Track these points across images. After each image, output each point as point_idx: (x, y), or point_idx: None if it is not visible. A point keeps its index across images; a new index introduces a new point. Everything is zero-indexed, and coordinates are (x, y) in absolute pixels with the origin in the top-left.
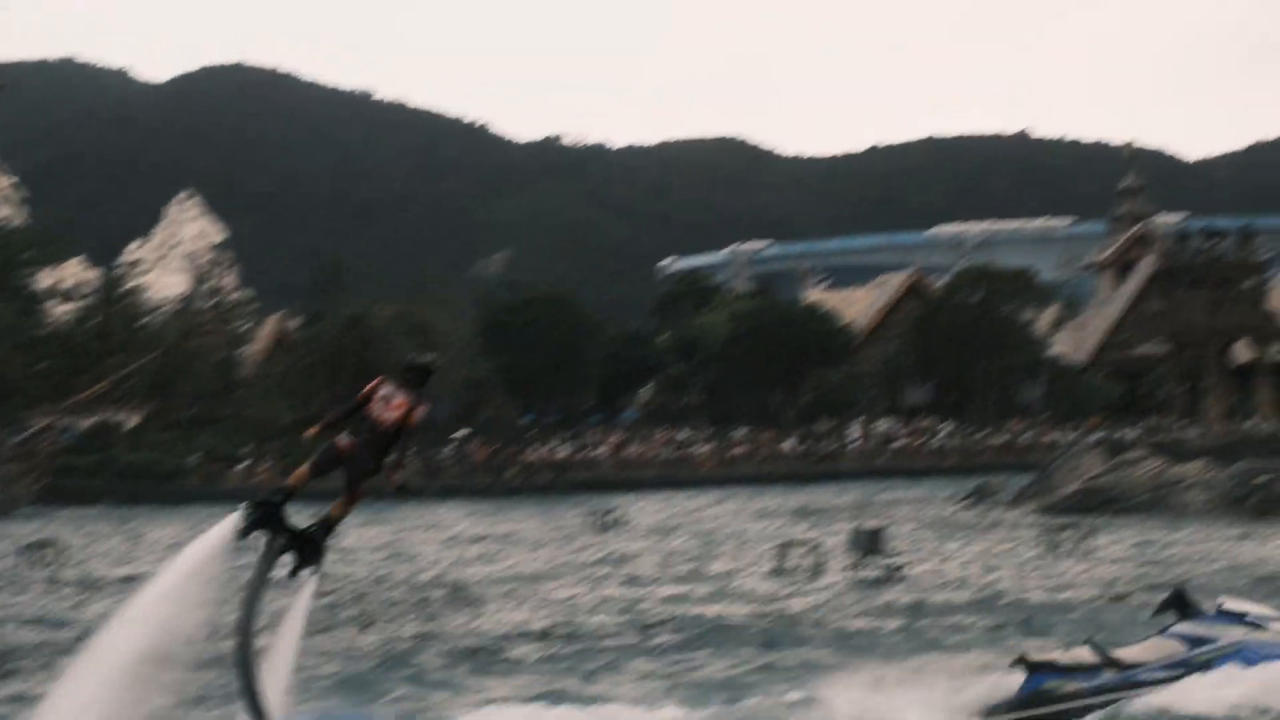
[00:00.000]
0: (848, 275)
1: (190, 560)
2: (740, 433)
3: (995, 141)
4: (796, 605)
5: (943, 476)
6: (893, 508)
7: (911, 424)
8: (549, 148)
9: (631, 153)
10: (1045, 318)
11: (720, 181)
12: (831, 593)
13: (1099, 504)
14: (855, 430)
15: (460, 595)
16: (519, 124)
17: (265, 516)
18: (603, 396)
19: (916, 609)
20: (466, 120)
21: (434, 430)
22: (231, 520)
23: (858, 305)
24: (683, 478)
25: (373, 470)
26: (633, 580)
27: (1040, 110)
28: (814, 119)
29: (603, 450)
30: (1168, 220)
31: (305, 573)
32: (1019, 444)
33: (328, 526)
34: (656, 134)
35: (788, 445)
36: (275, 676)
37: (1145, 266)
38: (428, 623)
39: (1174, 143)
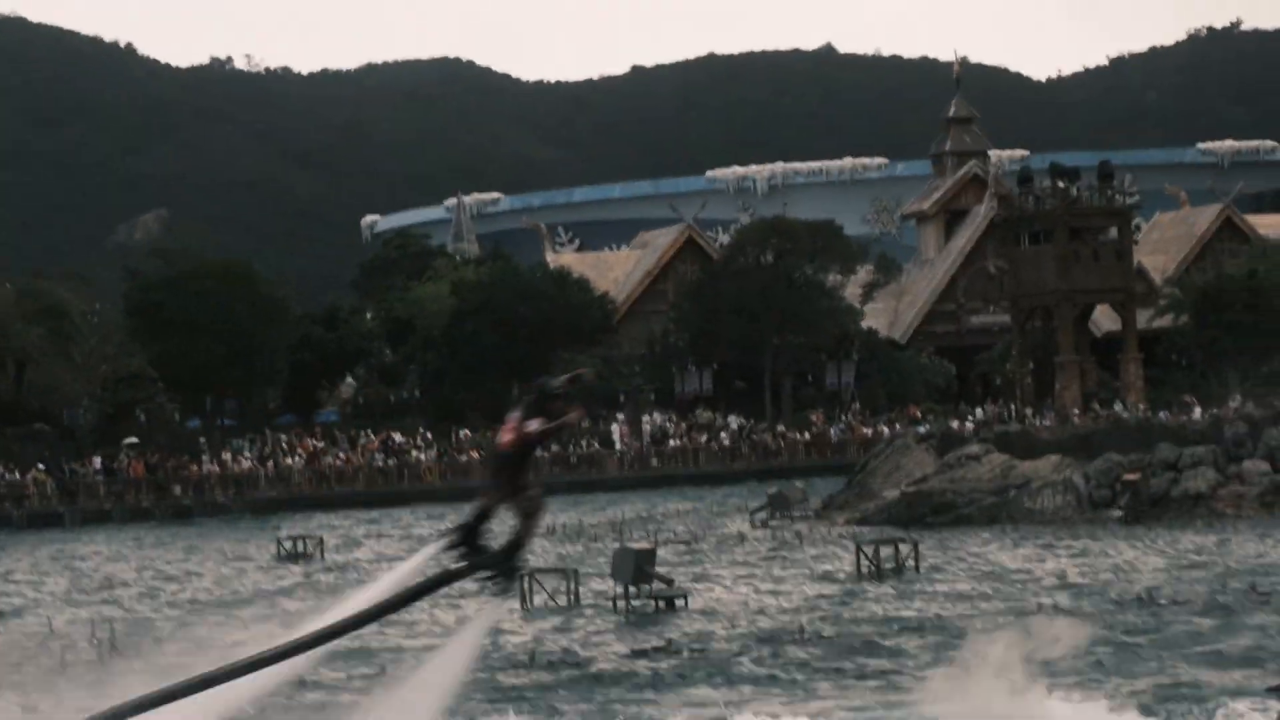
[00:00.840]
0: (603, 233)
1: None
2: (470, 435)
3: (791, 59)
4: (550, 644)
5: (730, 483)
6: (667, 523)
7: (689, 418)
8: (215, 75)
9: (324, 81)
10: (854, 282)
11: (439, 116)
12: (589, 631)
13: (928, 513)
14: (617, 429)
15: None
16: (175, 45)
17: (464, 539)
18: (293, 393)
19: (698, 645)
20: (107, 40)
21: (73, 442)
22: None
23: (616, 270)
24: (400, 492)
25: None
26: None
27: (848, 20)
28: (559, 34)
29: (295, 460)
30: (1007, 157)
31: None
32: (826, 441)
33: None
34: (355, 56)
35: None
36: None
37: (979, 216)
38: None
39: (1016, 59)
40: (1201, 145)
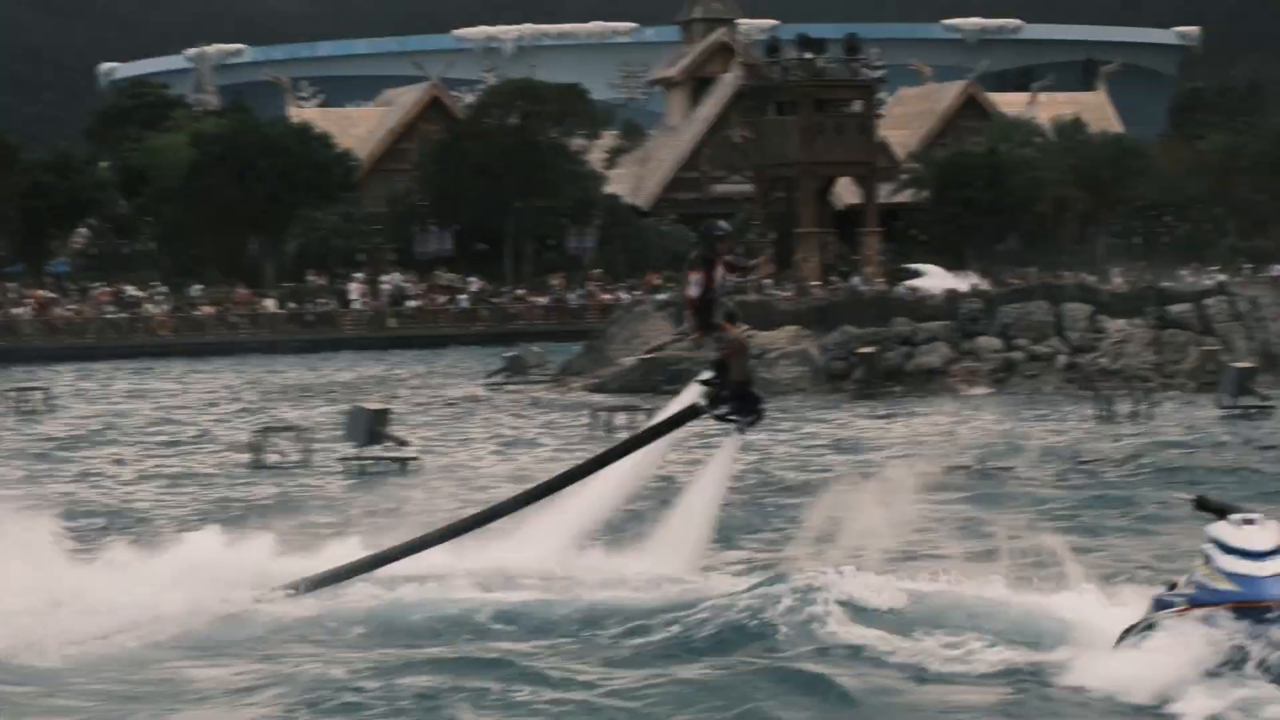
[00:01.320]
0: (347, 89)
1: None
2: (206, 289)
3: None
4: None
5: (469, 346)
6: (404, 384)
7: (429, 280)
8: None
9: None
10: (599, 147)
11: None
12: (321, 485)
13: (665, 380)
14: (356, 288)
15: None
16: None
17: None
18: (22, 242)
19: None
20: None
21: None
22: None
23: (360, 127)
24: (132, 346)
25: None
26: (85, 477)
27: None
28: None
29: (24, 311)
30: (756, 26)
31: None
32: (566, 306)
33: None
34: None
35: (269, 306)
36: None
37: (725, 84)
38: None
39: None
40: (947, 21)
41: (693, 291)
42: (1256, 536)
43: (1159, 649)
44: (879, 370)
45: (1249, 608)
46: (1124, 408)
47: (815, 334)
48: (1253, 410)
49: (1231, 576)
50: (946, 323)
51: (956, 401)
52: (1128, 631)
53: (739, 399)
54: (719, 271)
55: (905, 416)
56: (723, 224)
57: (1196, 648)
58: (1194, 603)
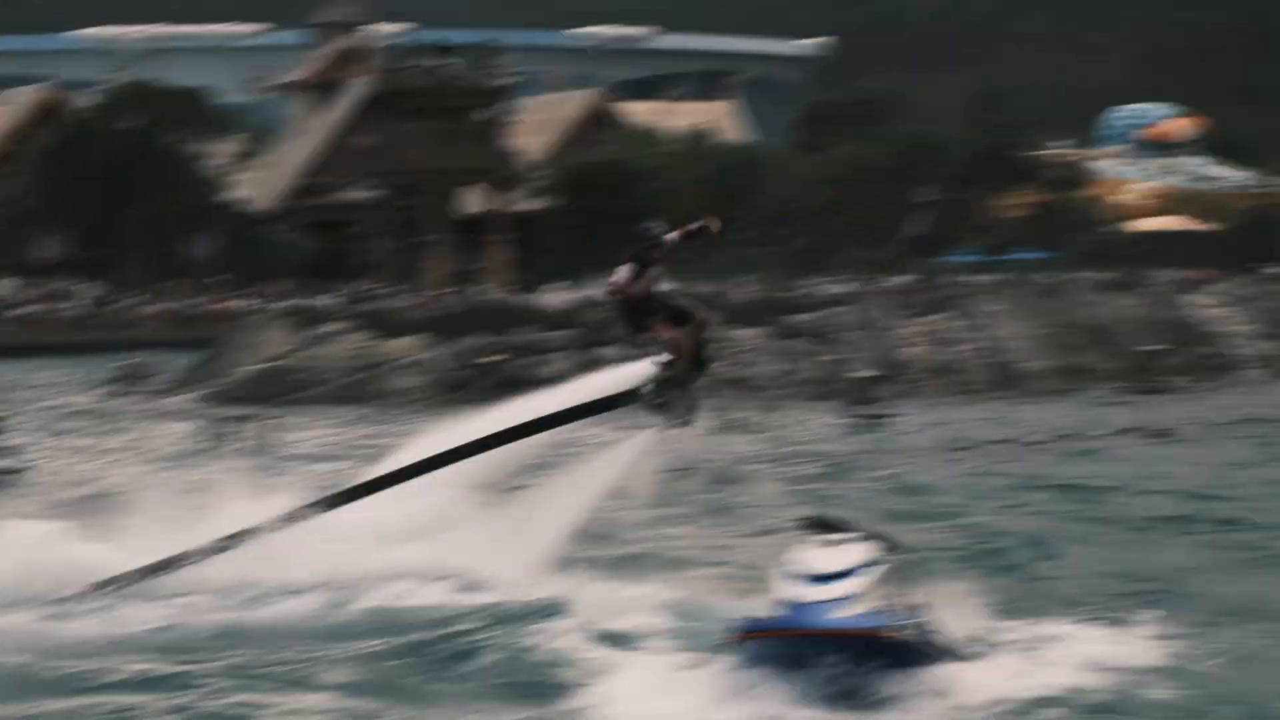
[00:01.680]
0: None
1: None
2: None
3: None
4: None
5: (82, 354)
6: (11, 394)
7: (41, 286)
8: None
9: None
10: (224, 151)
11: None
12: None
13: (286, 389)
14: None
15: None
16: None
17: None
18: None
19: None
20: None
21: None
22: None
23: None
24: None
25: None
26: None
27: None
28: None
29: None
30: (388, 30)
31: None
32: (185, 313)
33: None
34: None
35: None
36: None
37: (355, 89)
38: None
39: None
40: (581, 30)
41: (615, 278)
42: (825, 558)
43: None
44: (502, 380)
45: (799, 636)
46: (749, 416)
47: (440, 342)
48: (874, 419)
49: (786, 602)
50: (573, 331)
51: None
52: None
53: (665, 390)
54: (649, 274)
55: None
56: (655, 227)
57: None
58: (749, 629)
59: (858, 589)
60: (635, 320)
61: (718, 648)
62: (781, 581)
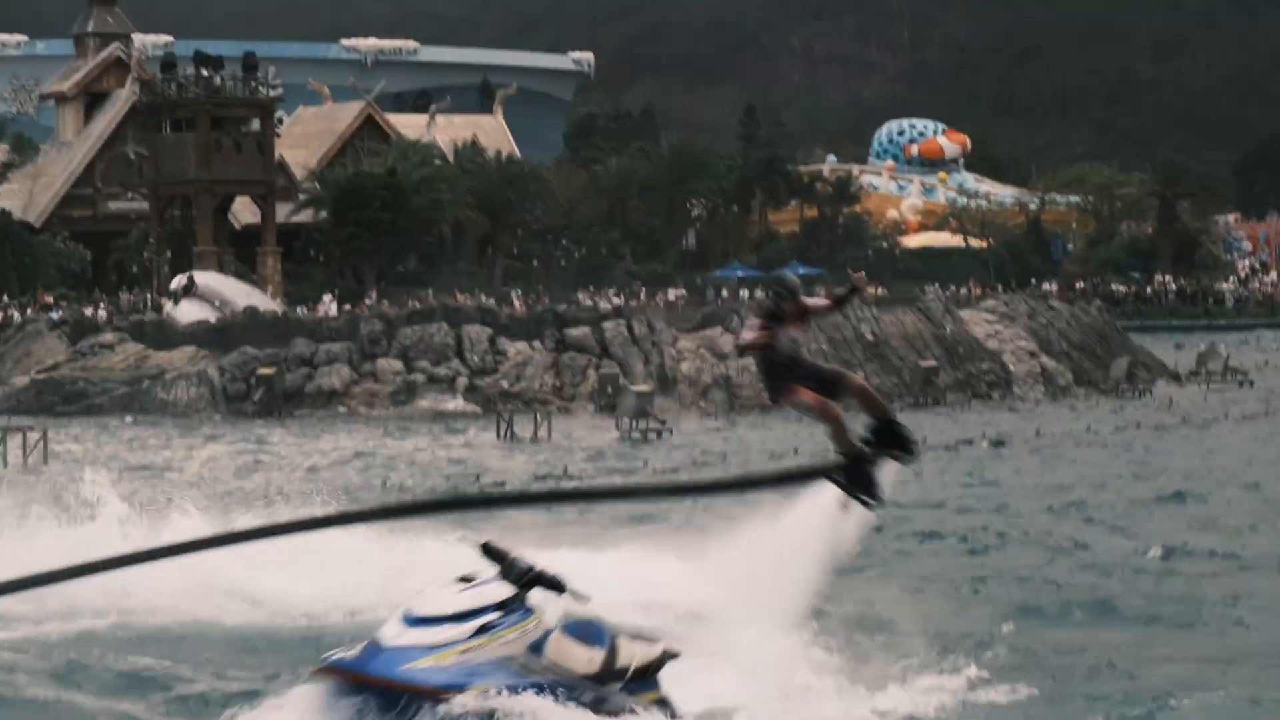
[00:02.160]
0: None
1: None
2: None
3: None
4: None
5: None
6: None
7: None
8: None
9: None
10: None
11: None
12: None
13: (58, 401)
14: None
15: None
16: None
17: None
18: None
19: None
20: None
21: None
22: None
23: None
24: None
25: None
26: None
27: None
28: None
29: None
30: (151, 42)
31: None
32: None
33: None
34: None
35: None
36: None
37: (120, 100)
38: None
39: None
40: (345, 42)
41: (745, 335)
42: (443, 598)
43: None
44: (279, 392)
45: (361, 680)
46: (525, 429)
47: (214, 354)
48: (650, 432)
49: (372, 641)
50: (347, 344)
51: (358, 422)
52: None
53: (852, 471)
54: (785, 331)
55: (313, 438)
56: (789, 278)
57: None
58: (324, 666)
59: (459, 636)
60: (773, 379)
61: (310, 677)
62: (391, 618)
